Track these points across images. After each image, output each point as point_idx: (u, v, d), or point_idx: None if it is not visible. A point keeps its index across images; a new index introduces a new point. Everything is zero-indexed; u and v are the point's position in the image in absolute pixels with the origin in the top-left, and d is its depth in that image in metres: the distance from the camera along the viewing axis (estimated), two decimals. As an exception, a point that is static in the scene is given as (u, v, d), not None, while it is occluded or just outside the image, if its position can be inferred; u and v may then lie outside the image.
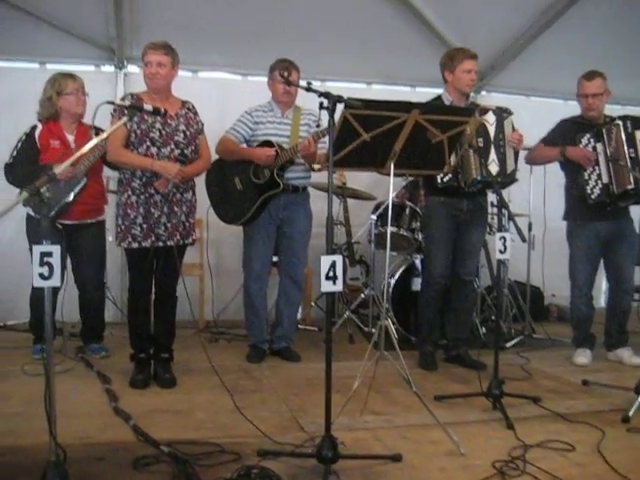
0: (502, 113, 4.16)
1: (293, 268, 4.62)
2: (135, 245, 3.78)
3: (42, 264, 2.28)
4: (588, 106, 4.50)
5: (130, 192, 3.78)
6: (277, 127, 4.47)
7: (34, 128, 4.29)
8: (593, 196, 4.43)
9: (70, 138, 4.30)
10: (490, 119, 4.12)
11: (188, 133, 3.85)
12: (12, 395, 3.60)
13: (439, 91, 4.48)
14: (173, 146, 3.78)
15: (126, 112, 3.40)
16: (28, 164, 4.15)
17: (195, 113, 3.98)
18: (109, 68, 5.70)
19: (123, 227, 3.79)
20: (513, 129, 4.21)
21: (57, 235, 4.12)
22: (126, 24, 5.25)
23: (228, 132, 4.50)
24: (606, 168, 4.37)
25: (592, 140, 4.43)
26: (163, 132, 3.76)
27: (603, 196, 4.39)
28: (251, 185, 4.42)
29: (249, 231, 4.55)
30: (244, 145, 4.55)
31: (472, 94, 6.50)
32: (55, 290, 4.20)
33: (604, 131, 4.38)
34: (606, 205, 4.41)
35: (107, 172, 4.59)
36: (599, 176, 4.40)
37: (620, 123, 4.32)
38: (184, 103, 3.95)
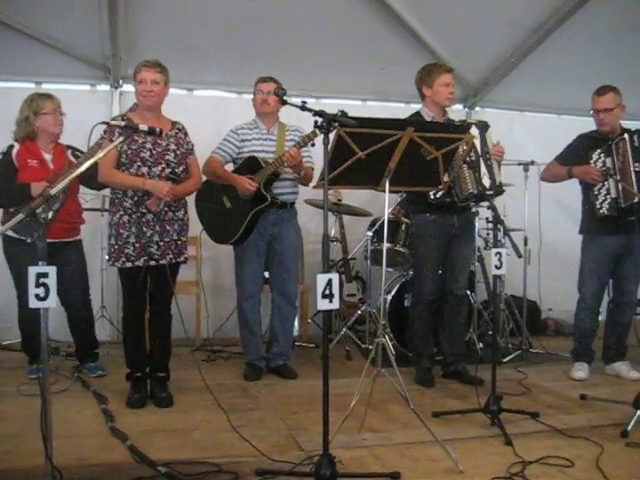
0: (483, 126, 4.19)
1: (285, 284, 4.62)
2: (129, 264, 3.78)
3: (38, 285, 2.27)
4: (600, 121, 4.51)
5: (122, 212, 3.79)
6: (263, 143, 4.49)
7: (11, 147, 4.28)
8: (602, 210, 4.45)
9: (48, 157, 4.30)
10: (474, 133, 4.13)
11: (179, 152, 3.87)
12: (8, 416, 3.58)
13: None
14: (164, 165, 3.80)
15: (118, 132, 3.42)
16: (5, 182, 4.15)
17: (185, 134, 4.01)
18: (104, 87, 5.73)
19: (116, 247, 3.79)
20: (493, 143, 4.23)
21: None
22: (121, 43, 5.27)
23: (214, 152, 4.52)
24: (614, 183, 4.38)
25: (602, 155, 4.45)
26: (154, 152, 3.78)
27: (612, 210, 4.41)
28: (240, 201, 4.43)
29: (239, 250, 4.56)
30: (230, 165, 4.58)
31: (466, 110, 6.60)
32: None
33: (613, 146, 4.40)
34: (615, 219, 4.43)
35: (83, 191, 4.62)
36: (608, 191, 4.42)
37: (627, 137, 4.33)
38: (174, 124, 3.97)
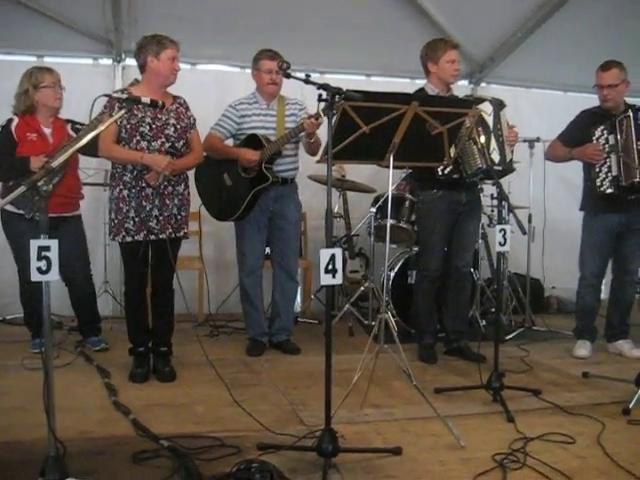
0: (497, 103, 4.14)
1: (286, 259, 4.62)
2: (129, 239, 3.78)
3: (40, 258, 2.27)
4: (604, 97, 4.46)
5: (122, 186, 3.78)
6: (263, 119, 4.45)
7: (10, 121, 4.26)
8: (602, 188, 4.41)
9: (47, 131, 4.28)
10: (487, 109, 4.08)
11: (178, 127, 3.84)
12: (11, 389, 3.60)
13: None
14: (163, 139, 3.77)
15: (118, 107, 3.39)
16: (4, 156, 4.14)
17: (187, 108, 3.97)
18: (107, 61, 5.67)
19: (116, 221, 3.79)
20: (508, 124, 4.19)
21: (37, 229, 4.12)
22: (124, 17, 5.22)
23: (213, 128, 4.47)
24: (616, 160, 4.34)
25: (605, 132, 4.39)
26: (153, 126, 3.76)
27: (612, 188, 4.37)
28: (241, 180, 4.40)
29: (240, 226, 4.54)
30: (230, 140, 4.54)
31: (472, 86, 6.54)
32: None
33: (617, 123, 4.35)
34: (616, 197, 4.40)
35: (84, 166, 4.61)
36: (609, 168, 4.38)
37: (631, 114, 4.27)
38: (175, 98, 3.94)
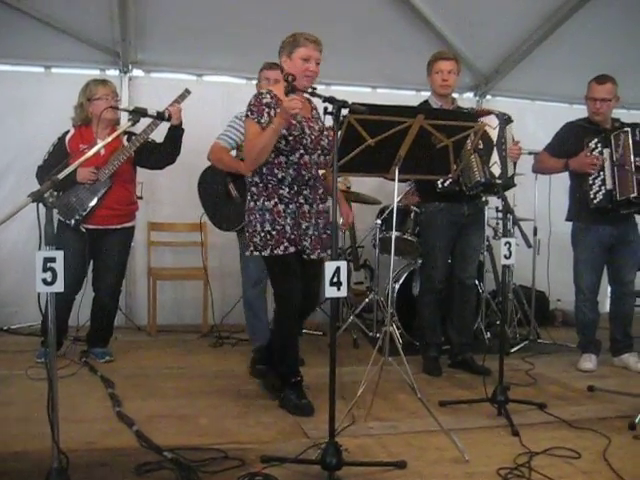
0: (504, 118, 4.16)
1: None
2: (292, 249, 3.49)
3: (45, 269, 2.27)
4: (595, 110, 4.48)
5: (277, 199, 3.50)
6: None
7: (66, 133, 4.36)
8: (595, 201, 4.41)
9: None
10: (493, 123, 4.11)
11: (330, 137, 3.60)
12: (15, 400, 3.59)
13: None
14: (319, 151, 3.57)
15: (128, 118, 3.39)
16: (55, 168, 4.17)
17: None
18: (114, 72, 5.69)
19: (274, 233, 3.47)
20: (513, 139, 4.20)
21: (81, 239, 4.17)
22: (131, 28, 5.24)
23: (219, 139, 4.45)
24: (611, 174, 4.34)
25: (599, 145, 4.40)
26: (312, 137, 3.52)
27: (605, 202, 4.37)
28: (246, 191, 4.39)
29: (244, 237, 4.53)
30: (234, 152, 4.55)
31: (477, 98, 6.55)
32: (72, 295, 4.22)
33: (612, 137, 4.36)
34: (607, 211, 4.40)
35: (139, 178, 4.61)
36: (603, 181, 4.38)
37: (629, 130, 4.28)
38: (311, 105, 3.73)
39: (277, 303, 3.64)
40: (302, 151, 3.48)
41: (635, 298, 4.74)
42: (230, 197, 4.48)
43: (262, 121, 3.39)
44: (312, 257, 3.55)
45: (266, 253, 3.49)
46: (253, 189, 3.58)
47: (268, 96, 3.47)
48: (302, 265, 3.55)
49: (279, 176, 3.49)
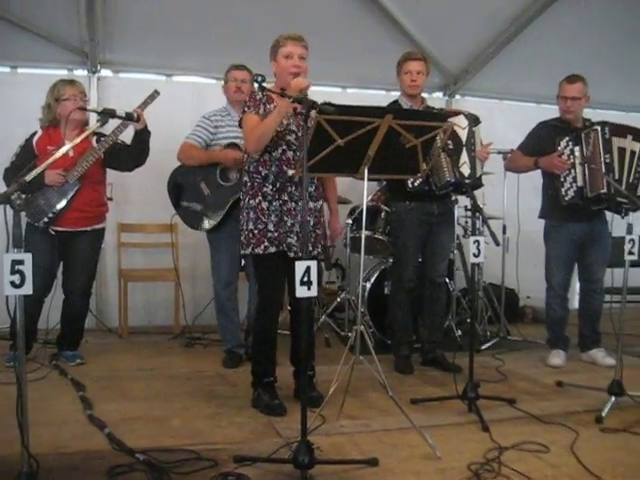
0: (474, 119, 4.22)
1: None
2: (272, 249, 3.50)
3: (13, 272, 2.25)
4: (566, 108, 4.55)
5: (261, 197, 3.52)
6: (238, 130, 4.44)
7: (34, 134, 4.28)
8: (567, 198, 4.48)
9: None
10: (462, 123, 4.17)
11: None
12: (-16, 404, 3.55)
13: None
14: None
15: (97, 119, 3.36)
16: (21, 170, 4.10)
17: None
18: (82, 72, 5.63)
19: (255, 232, 3.51)
20: (481, 142, 4.27)
21: (50, 241, 4.11)
22: (99, 28, 5.20)
23: (188, 137, 4.46)
24: (582, 172, 4.41)
25: (570, 143, 4.46)
26: (299, 134, 3.53)
27: (577, 198, 4.44)
28: (220, 188, 4.40)
29: (214, 237, 4.53)
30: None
31: (447, 98, 6.61)
32: (41, 297, 4.18)
33: (583, 135, 4.42)
34: (579, 208, 4.46)
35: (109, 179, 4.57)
36: (574, 179, 4.44)
37: (598, 128, 4.35)
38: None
39: (258, 300, 3.68)
40: (285, 147, 3.51)
41: (604, 295, 4.82)
42: (203, 196, 4.47)
43: (260, 113, 3.45)
44: (299, 255, 3.45)
45: (247, 251, 3.55)
46: (243, 188, 3.64)
47: (260, 94, 3.53)
48: (289, 264, 3.45)
49: (263, 173, 3.53)
